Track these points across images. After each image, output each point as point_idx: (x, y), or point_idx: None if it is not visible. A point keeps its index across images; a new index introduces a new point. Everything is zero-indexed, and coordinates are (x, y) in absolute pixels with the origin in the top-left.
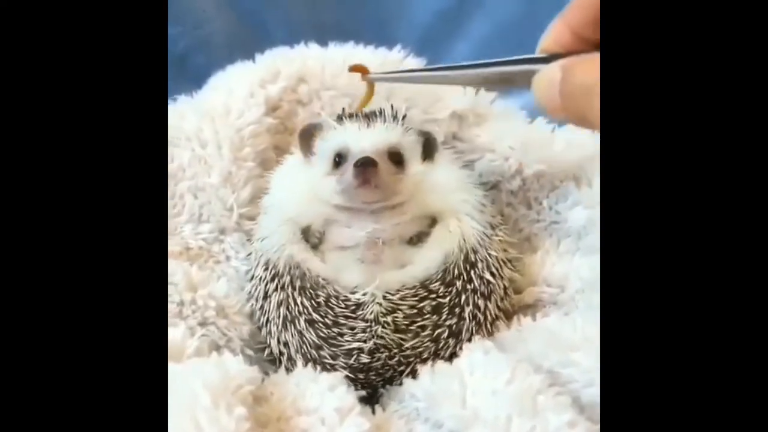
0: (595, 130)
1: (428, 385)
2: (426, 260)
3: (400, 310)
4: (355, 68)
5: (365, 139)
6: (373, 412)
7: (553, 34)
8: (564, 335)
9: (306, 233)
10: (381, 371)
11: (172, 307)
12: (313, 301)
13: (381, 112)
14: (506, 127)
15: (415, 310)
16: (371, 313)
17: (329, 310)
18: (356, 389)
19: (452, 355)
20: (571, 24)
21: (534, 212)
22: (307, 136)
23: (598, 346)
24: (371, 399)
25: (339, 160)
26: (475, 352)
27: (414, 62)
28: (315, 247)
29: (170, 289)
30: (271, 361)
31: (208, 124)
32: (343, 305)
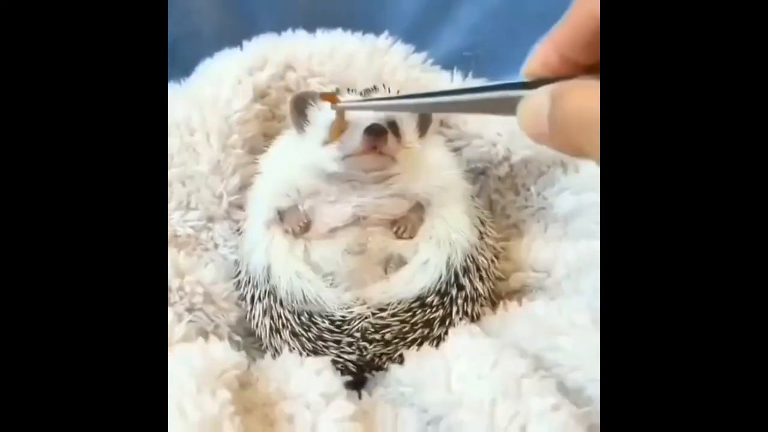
0: (593, 161)
1: (414, 370)
2: (426, 270)
3: (391, 326)
4: (325, 97)
5: None
6: (360, 396)
7: (540, 57)
8: (550, 320)
9: (290, 220)
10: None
11: None
12: (295, 315)
13: (375, 87)
14: None
15: (407, 326)
16: (357, 331)
17: (312, 325)
18: (342, 374)
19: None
20: (559, 46)
21: (522, 198)
22: (301, 104)
23: (584, 331)
24: (357, 384)
25: None
26: (460, 336)
27: (402, 49)
28: (298, 235)
29: None
30: (259, 347)
31: (196, 111)
32: (327, 321)
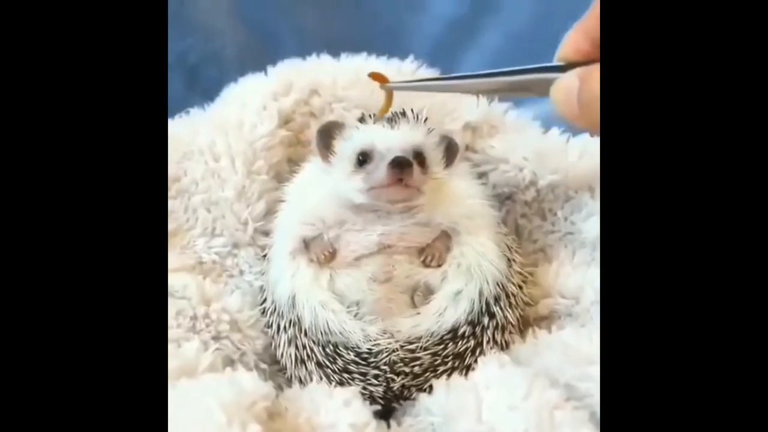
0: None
1: (443, 400)
2: (459, 302)
3: (421, 359)
4: (373, 76)
5: (391, 139)
6: (388, 426)
7: (571, 43)
8: (580, 349)
9: (316, 249)
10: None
11: (185, 322)
12: (320, 346)
13: (403, 113)
14: (520, 137)
15: (438, 358)
16: (385, 364)
17: (338, 357)
18: (371, 404)
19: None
20: (589, 32)
21: (549, 223)
22: (327, 134)
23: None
24: (386, 414)
25: (363, 159)
26: (490, 366)
27: (426, 73)
28: (323, 265)
29: (183, 303)
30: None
31: (221, 137)
32: (353, 353)
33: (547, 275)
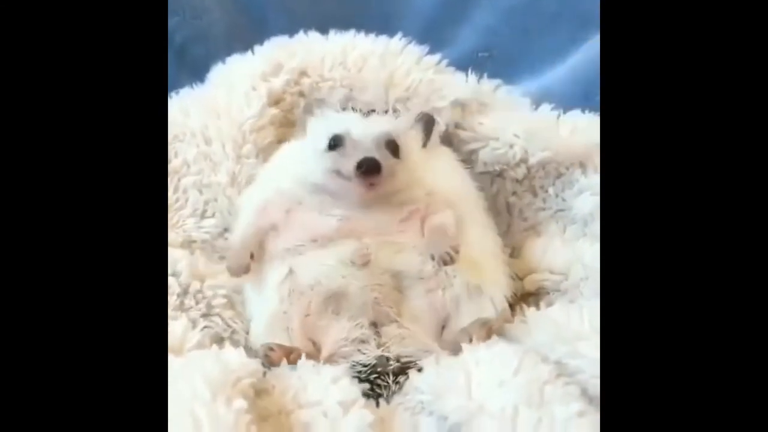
0: None
1: (433, 378)
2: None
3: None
4: None
5: (365, 126)
6: (377, 404)
7: None
8: (570, 325)
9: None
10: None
11: (172, 300)
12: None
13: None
14: (510, 114)
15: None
16: (378, 384)
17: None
18: (359, 382)
19: None
20: None
21: (540, 200)
22: (310, 111)
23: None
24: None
25: (335, 143)
26: (479, 343)
27: (415, 50)
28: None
29: (171, 280)
30: None
31: (212, 120)
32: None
33: (533, 250)
